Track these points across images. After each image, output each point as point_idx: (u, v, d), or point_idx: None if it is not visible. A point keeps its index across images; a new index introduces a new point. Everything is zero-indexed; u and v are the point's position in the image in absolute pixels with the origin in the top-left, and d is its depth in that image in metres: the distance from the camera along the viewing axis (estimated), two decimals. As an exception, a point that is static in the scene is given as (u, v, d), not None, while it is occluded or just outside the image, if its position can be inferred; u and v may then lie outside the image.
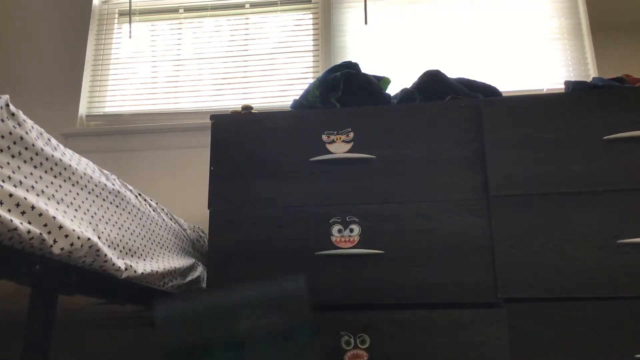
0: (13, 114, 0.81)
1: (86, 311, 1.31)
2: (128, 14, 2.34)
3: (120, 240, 1.07)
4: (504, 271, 1.18)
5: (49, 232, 0.83)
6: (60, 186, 0.90)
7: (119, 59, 2.32)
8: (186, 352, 0.20)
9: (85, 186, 0.99)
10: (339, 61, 2.12)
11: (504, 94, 1.61)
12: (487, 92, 1.48)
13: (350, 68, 1.46)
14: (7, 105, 0.79)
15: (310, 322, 0.20)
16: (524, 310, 1.15)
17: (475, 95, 1.44)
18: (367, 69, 2.13)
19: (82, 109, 2.26)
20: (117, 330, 1.92)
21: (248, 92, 2.20)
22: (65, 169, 0.92)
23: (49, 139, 0.90)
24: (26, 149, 0.83)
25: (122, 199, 1.12)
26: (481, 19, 2.16)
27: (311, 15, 2.26)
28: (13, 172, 0.79)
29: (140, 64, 2.30)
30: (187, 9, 2.35)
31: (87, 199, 0.98)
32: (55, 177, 0.89)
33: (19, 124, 0.82)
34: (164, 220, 1.34)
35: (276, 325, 0.20)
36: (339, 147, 1.32)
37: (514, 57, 2.09)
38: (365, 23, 2.19)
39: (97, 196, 1.02)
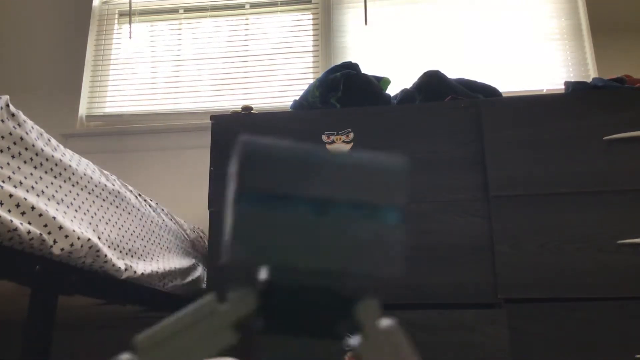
0: (13, 115, 0.81)
1: (86, 311, 1.31)
2: (128, 15, 2.34)
3: (120, 241, 1.07)
4: (504, 271, 1.18)
5: (49, 233, 0.83)
6: (60, 187, 0.90)
7: (119, 59, 2.32)
8: (265, 200, 0.19)
9: (85, 187, 0.99)
10: (339, 61, 2.12)
11: (504, 94, 1.61)
12: (487, 92, 1.48)
13: (350, 68, 1.46)
14: (7, 105, 0.80)
15: (403, 208, 0.19)
16: (524, 310, 1.15)
17: (475, 96, 1.44)
18: (367, 69, 2.13)
19: (82, 110, 2.26)
20: (117, 330, 1.92)
21: (248, 93, 2.20)
22: (65, 169, 0.92)
23: (49, 140, 0.90)
24: (26, 149, 0.83)
25: (122, 200, 1.12)
26: (481, 19, 2.16)
27: (311, 16, 2.26)
28: (13, 173, 0.79)
29: (140, 64, 2.30)
30: (187, 10, 2.35)
31: (87, 199, 0.98)
32: (55, 177, 0.89)
33: (19, 125, 0.82)
34: (164, 220, 1.34)
35: (366, 197, 0.19)
36: (339, 148, 1.32)
37: (514, 57, 2.09)
38: (365, 23, 2.19)
39: (97, 197, 1.02)
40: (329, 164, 0.23)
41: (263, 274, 0.23)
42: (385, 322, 0.23)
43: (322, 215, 0.22)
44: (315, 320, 0.23)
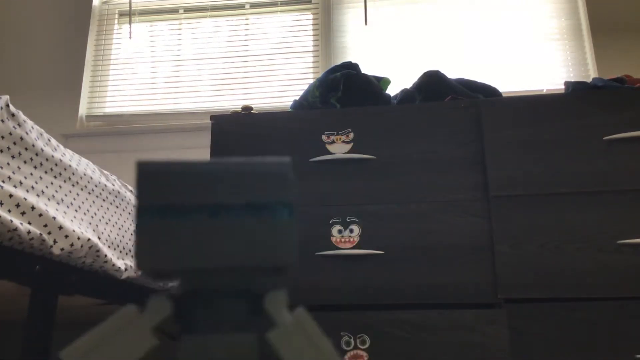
0: (13, 115, 0.81)
1: (86, 311, 1.31)
2: (128, 15, 2.34)
3: (120, 241, 1.07)
4: (504, 271, 1.18)
5: (49, 233, 0.83)
6: (60, 187, 0.90)
7: (119, 59, 2.32)
8: (160, 212, 0.21)
9: (86, 187, 0.99)
10: (339, 61, 2.12)
11: (504, 94, 1.61)
12: (487, 92, 1.48)
13: (350, 68, 1.46)
14: (7, 105, 0.80)
15: (291, 203, 0.22)
16: (524, 310, 1.15)
17: (475, 96, 1.44)
18: (367, 69, 2.13)
19: (82, 110, 2.26)
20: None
21: (248, 93, 2.20)
22: (65, 169, 0.92)
23: (49, 140, 0.90)
24: (26, 149, 0.83)
25: (122, 200, 1.12)
26: (481, 19, 2.16)
27: (311, 16, 2.26)
28: (13, 173, 0.79)
29: (140, 64, 2.30)
30: (187, 10, 2.35)
31: (87, 199, 0.98)
32: (55, 177, 0.89)
33: (19, 125, 0.82)
34: (164, 220, 1.34)
35: (254, 198, 0.21)
36: (339, 148, 1.32)
37: (514, 57, 2.09)
38: (365, 23, 2.19)
39: (97, 197, 1.02)
40: (217, 173, 0.25)
41: (175, 280, 0.26)
42: (294, 311, 0.24)
43: (215, 218, 0.24)
44: (228, 316, 0.25)
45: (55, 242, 0.84)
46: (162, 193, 0.24)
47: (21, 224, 0.76)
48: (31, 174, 0.83)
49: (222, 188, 0.25)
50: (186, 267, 0.24)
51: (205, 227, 0.24)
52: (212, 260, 0.24)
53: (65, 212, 0.89)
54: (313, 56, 2.20)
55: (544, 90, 2.01)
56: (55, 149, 0.91)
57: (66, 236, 0.85)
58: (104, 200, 1.04)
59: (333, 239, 1.25)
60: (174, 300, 0.24)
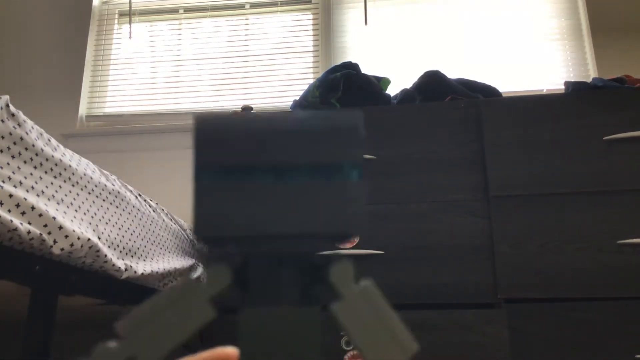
0: (13, 115, 0.81)
1: (86, 311, 1.31)
2: (128, 15, 2.34)
3: (120, 241, 1.07)
4: (504, 271, 1.18)
5: (49, 233, 0.83)
6: (60, 187, 0.90)
7: (119, 59, 2.32)
8: (220, 173, 0.19)
9: (85, 187, 0.99)
10: (339, 61, 2.12)
11: (504, 95, 1.61)
12: (487, 92, 1.48)
13: (351, 68, 1.46)
14: (7, 105, 0.80)
15: (361, 164, 0.20)
16: (524, 310, 1.15)
17: (475, 96, 1.44)
18: (367, 69, 2.13)
19: (82, 110, 2.26)
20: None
21: (248, 93, 2.20)
22: (65, 169, 0.92)
23: (49, 140, 0.90)
24: (26, 149, 0.83)
25: (122, 200, 1.12)
26: (481, 19, 2.15)
27: (311, 16, 2.26)
28: (13, 173, 0.79)
29: (140, 64, 2.30)
30: (187, 10, 2.35)
31: (87, 199, 0.98)
32: (55, 177, 0.89)
33: (19, 125, 0.82)
34: (164, 220, 1.34)
35: (322, 158, 0.20)
36: (339, 148, 1.32)
37: (513, 57, 2.09)
38: (365, 23, 2.19)
39: (97, 197, 1.02)
40: (282, 130, 0.23)
41: (235, 247, 0.24)
42: (361, 283, 0.23)
43: (280, 180, 0.23)
44: (291, 287, 0.23)
45: (55, 242, 0.84)
46: (222, 151, 0.23)
47: (21, 224, 0.76)
48: (31, 174, 0.83)
49: (288, 146, 0.23)
50: (249, 234, 0.22)
51: (269, 189, 0.23)
52: (276, 227, 0.22)
53: (65, 212, 0.89)
54: (313, 56, 2.20)
55: (544, 90, 2.01)
56: (55, 149, 0.91)
57: (66, 236, 0.85)
58: (104, 200, 1.04)
59: (333, 239, 1.25)
60: (234, 269, 0.23)
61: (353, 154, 0.23)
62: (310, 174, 0.23)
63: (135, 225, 1.15)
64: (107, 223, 1.03)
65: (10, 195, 0.76)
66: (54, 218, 0.83)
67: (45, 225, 0.82)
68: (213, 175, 0.23)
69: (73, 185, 0.95)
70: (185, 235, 1.48)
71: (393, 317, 0.23)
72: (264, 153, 0.23)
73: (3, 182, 0.76)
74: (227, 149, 0.23)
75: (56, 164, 0.90)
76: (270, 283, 0.23)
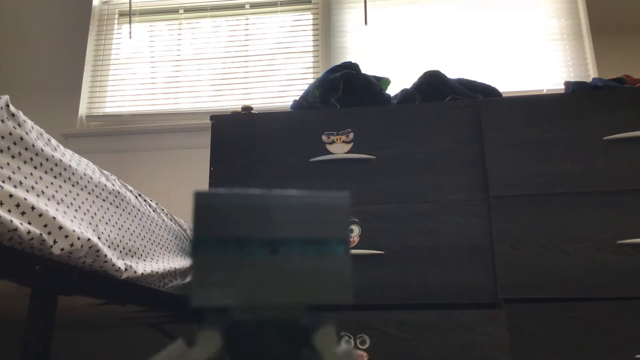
0: (13, 115, 0.81)
1: (86, 311, 1.31)
2: (128, 15, 2.34)
3: (120, 241, 1.07)
4: (504, 271, 1.18)
5: (49, 233, 0.83)
6: (60, 187, 0.90)
7: (119, 59, 2.32)
8: (219, 245, 0.21)
9: (85, 187, 0.99)
10: (339, 61, 2.12)
11: (504, 95, 1.61)
12: (487, 92, 1.48)
13: (350, 68, 1.46)
14: (7, 105, 0.80)
15: (348, 240, 0.22)
16: (524, 310, 1.15)
17: (475, 96, 1.44)
18: (367, 69, 2.13)
19: (82, 110, 2.26)
20: (117, 330, 1.92)
21: (248, 93, 2.20)
22: (65, 169, 0.92)
23: (49, 140, 0.90)
24: (26, 149, 0.83)
25: (122, 200, 1.12)
26: (481, 19, 2.16)
27: (311, 15, 2.26)
28: (13, 173, 0.79)
29: (140, 64, 2.30)
30: (187, 10, 2.35)
31: (87, 199, 0.98)
32: (55, 177, 0.89)
33: (19, 125, 0.82)
34: (164, 220, 1.34)
35: (313, 233, 0.22)
36: (339, 148, 1.32)
37: (514, 57, 2.09)
38: (365, 23, 2.19)
39: (97, 197, 1.02)
40: (277, 207, 0.25)
41: (226, 313, 0.25)
42: (342, 348, 0.25)
43: (274, 254, 0.25)
44: (278, 351, 0.25)
45: (55, 242, 0.84)
46: (220, 225, 0.24)
47: (21, 224, 0.76)
48: (31, 174, 0.83)
49: (281, 222, 0.25)
50: (243, 302, 0.24)
51: (263, 262, 0.24)
52: (270, 297, 0.24)
53: (65, 212, 0.89)
54: (313, 56, 2.20)
55: (544, 90, 2.01)
56: (55, 149, 0.91)
57: (66, 236, 0.85)
58: (104, 200, 1.04)
59: (333, 239, 1.25)
60: (224, 334, 0.25)
61: (339, 231, 0.25)
62: (301, 248, 0.25)
63: (135, 225, 1.15)
64: (107, 223, 1.03)
65: (10, 195, 0.76)
66: (54, 218, 0.83)
67: (45, 225, 0.82)
68: (211, 247, 0.24)
69: (73, 185, 0.95)
70: (185, 236, 1.48)
71: None
72: (258, 228, 0.25)
73: (3, 182, 0.76)
74: (224, 223, 0.24)
75: (56, 164, 0.90)
76: (259, 347, 0.25)
